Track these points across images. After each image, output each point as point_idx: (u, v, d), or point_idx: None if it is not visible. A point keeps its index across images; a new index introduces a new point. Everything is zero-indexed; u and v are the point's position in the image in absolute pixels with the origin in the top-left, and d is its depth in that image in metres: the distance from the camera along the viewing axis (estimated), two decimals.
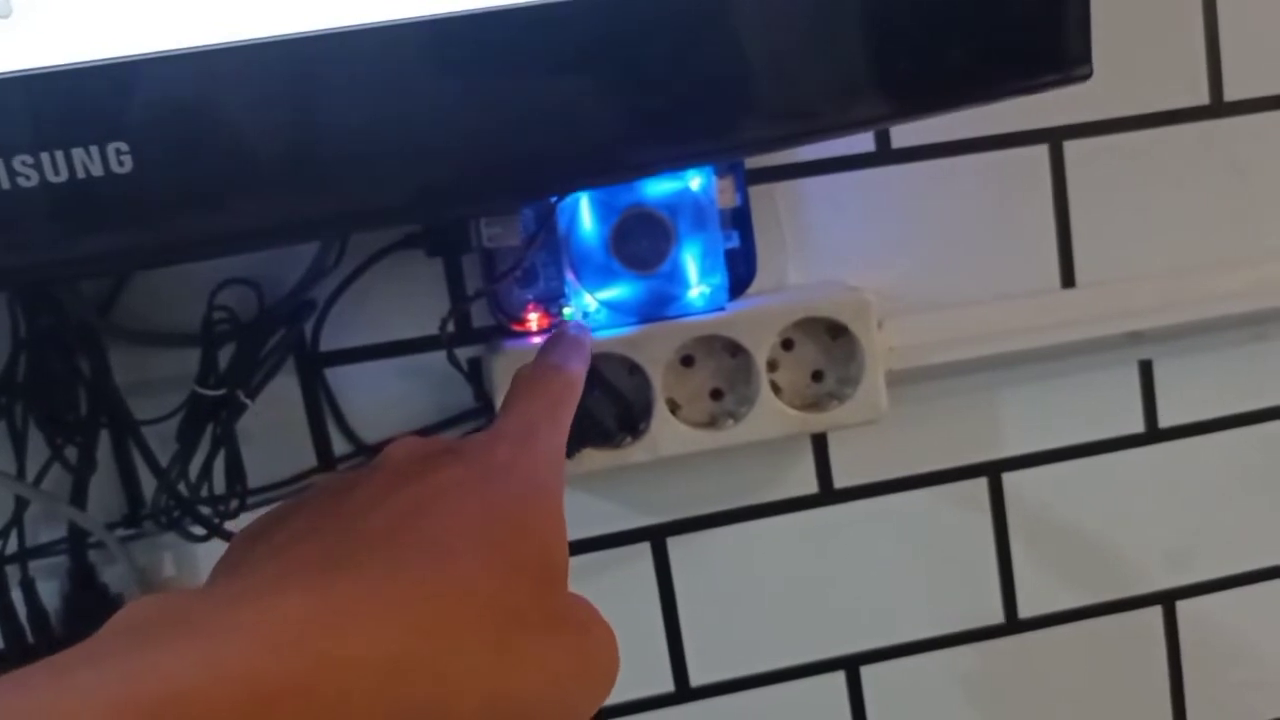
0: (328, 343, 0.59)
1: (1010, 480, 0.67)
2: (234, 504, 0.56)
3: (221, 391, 0.54)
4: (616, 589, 0.64)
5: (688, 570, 0.64)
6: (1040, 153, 0.64)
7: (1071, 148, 0.64)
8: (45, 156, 0.39)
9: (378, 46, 0.40)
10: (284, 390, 0.59)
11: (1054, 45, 0.47)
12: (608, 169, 0.48)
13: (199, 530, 0.56)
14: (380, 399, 0.60)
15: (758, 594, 0.65)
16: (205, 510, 0.56)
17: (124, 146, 0.40)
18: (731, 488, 0.64)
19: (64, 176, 0.39)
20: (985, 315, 0.64)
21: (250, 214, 0.43)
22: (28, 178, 0.39)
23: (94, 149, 0.40)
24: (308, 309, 0.57)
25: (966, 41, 0.46)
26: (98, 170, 0.40)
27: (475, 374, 0.60)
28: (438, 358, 0.59)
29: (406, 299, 0.59)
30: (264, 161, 0.41)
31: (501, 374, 0.56)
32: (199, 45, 0.39)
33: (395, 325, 0.60)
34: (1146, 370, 0.67)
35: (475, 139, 0.43)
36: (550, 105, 0.43)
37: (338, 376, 0.59)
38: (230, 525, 0.56)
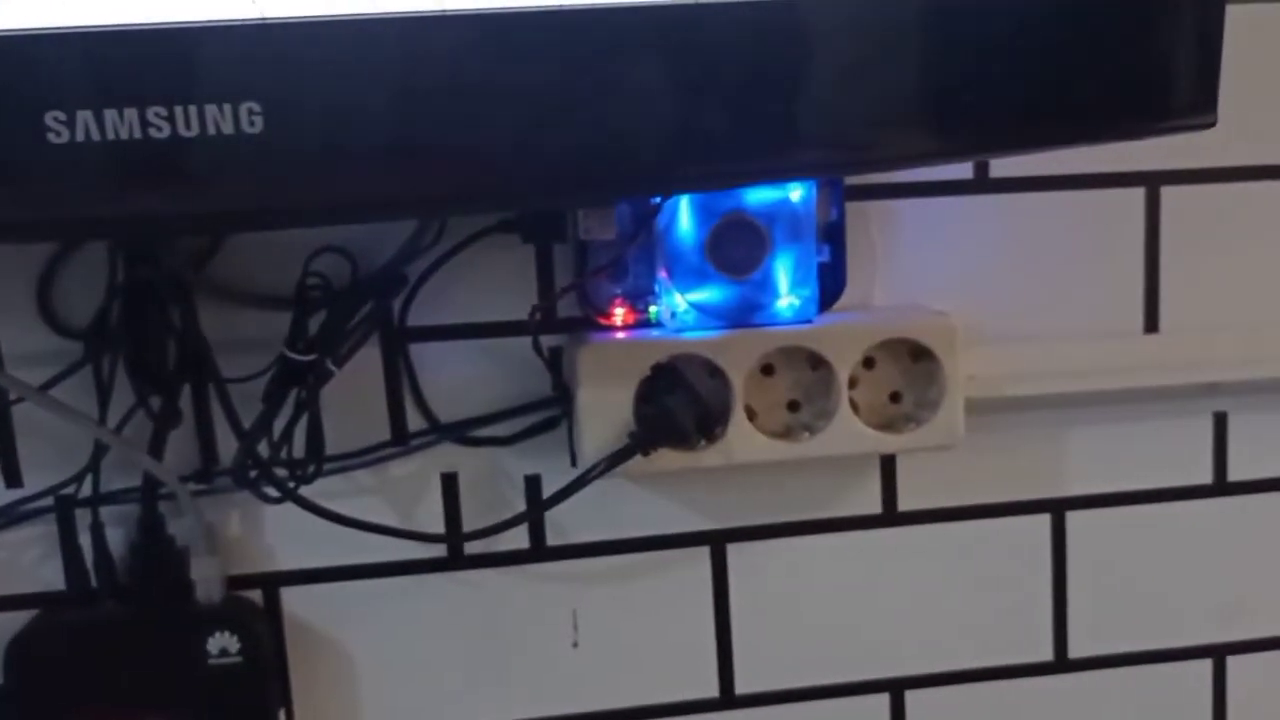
0: (414, 318, 0.59)
1: (1074, 519, 0.67)
2: (311, 469, 0.56)
3: (311, 357, 0.54)
4: (672, 590, 0.64)
5: (744, 578, 0.64)
6: (1136, 195, 0.64)
7: (1169, 193, 0.64)
8: (179, 110, 0.40)
9: (507, 31, 0.40)
10: (365, 362, 0.59)
11: (1182, 89, 0.47)
12: (715, 174, 0.48)
13: (273, 492, 0.56)
14: (459, 379, 0.60)
15: (811, 609, 0.65)
16: (281, 473, 0.56)
17: (257, 107, 0.40)
18: (796, 501, 0.64)
19: (195, 131, 0.40)
20: (1066, 352, 0.63)
21: (365, 187, 0.43)
22: (159, 129, 0.39)
23: (227, 107, 0.40)
24: (399, 284, 0.57)
25: (1095, 79, 0.46)
26: (229, 128, 0.40)
27: (555, 363, 0.60)
28: (519, 343, 0.59)
29: (495, 282, 0.60)
30: (387, 136, 0.41)
31: (584, 365, 0.57)
32: (345, 14, 0.39)
33: (481, 307, 0.60)
34: (1221, 422, 0.67)
35: (592, 132, 0.43)
36: (664, 107, 0.43)
37: (419, 352, 0.60)
38: (304, 491, 0.56)
